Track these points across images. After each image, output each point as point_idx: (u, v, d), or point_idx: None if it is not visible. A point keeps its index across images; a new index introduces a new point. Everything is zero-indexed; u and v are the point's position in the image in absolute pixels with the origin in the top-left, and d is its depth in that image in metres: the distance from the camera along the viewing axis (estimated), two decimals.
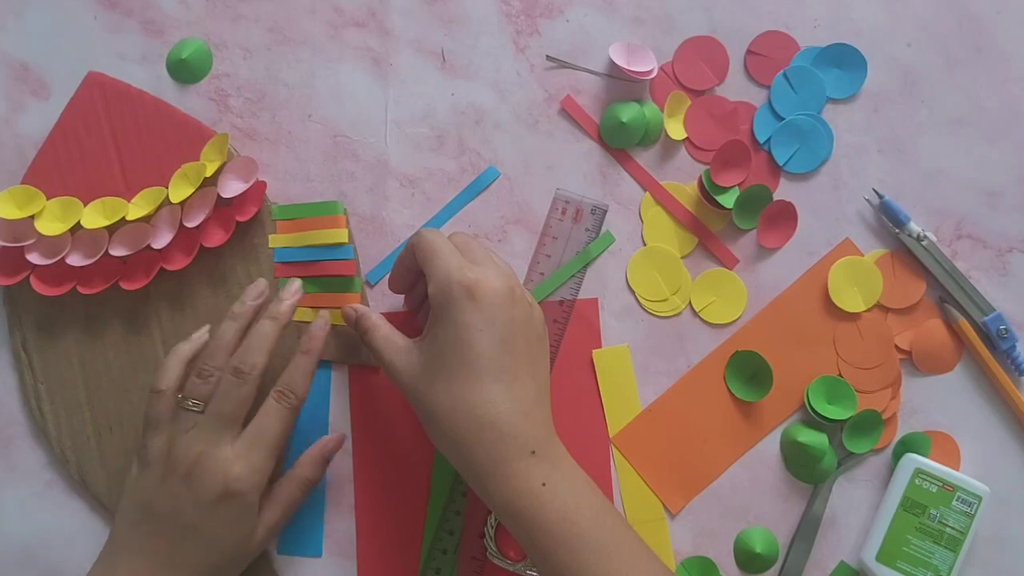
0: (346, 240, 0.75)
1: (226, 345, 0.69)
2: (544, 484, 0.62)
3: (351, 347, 0.75)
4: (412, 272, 0.71)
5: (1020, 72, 0.76)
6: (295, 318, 0.73)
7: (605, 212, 0.76)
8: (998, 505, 0.73)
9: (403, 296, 0.75)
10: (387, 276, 0.75)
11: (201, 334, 0.71)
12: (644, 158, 0.77)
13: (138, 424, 0.74)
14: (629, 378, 0.76)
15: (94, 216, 0.73)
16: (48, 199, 0.73)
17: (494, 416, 0.63)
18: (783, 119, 0.76)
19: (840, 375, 0.75)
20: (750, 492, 0.75)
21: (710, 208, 0.76)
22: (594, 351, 0.76)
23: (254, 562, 0.72)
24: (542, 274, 0.76)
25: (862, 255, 0.76)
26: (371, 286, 0.76)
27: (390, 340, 0.68)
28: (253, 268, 0.75)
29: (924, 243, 0.75)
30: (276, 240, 0.75)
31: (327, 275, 0.75)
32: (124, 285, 0.73)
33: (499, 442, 0.63)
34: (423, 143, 0.77)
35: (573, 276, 0.76)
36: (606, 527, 0.63)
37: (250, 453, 0.67)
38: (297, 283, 0.72)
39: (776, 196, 0.76)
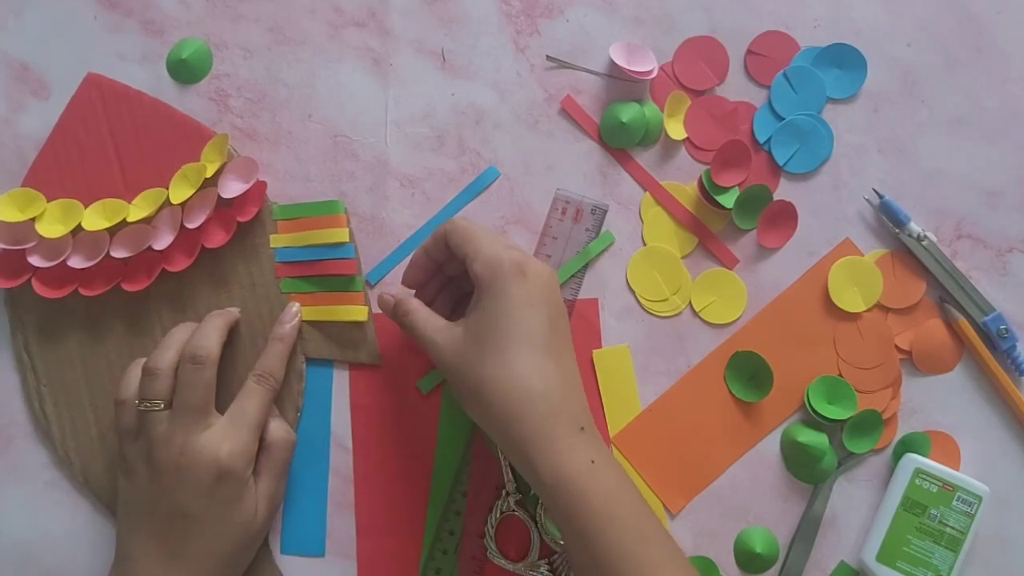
0: (347, 239, 0.75)
1: (175, 342, 0.70)
2: (593, 462, 0.62)
3: (352, 345, 0.75)
4: (434, 263, 0.71)
5: (1020, 72, 0.76)
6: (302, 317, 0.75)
7: (605, 212, 0.76)
8: (998, 505, 0.73)
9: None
10: (391, 275, 0.76)
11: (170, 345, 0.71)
12: (644, 158, 0.77)
13: None
14: (629, 378, 0.76)
15: (95, 218, 0.73)
16: (48, 201, 0.73)
17: (546, 388, 0.63)
18: (783, 119, 0.76)
19: (840, 375, 0.75)
20: (750, 492, 0.75)
21: (710, 208, 0.76)
22: (594, 351, 0.76)
23: (258, 561, 0.72)
24: None
25: (862, 255, 0.76)
26: (371, 286, 0.76)
27: (431, 320, 0.68)
28: (255, 268, 0.75)
29: (924, 243, 0.75)
30: (277, 240, 0.75)
31: (328, 274, 0.75)
32: (126, 286, 0.73)
33: (550, 415, 0.63)
34: (423, 143, 0.77)
35: (573, 276, 0.76)
36: (645, 515, 0.63)
37: (235, 432, 0.69)
38: (295, 306, 0.75)
39: (776, 196, 0.76)
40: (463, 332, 0.66)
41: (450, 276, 0.73)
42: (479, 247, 0.66)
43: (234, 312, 0.74)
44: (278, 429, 0.72)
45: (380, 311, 0.73)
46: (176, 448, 0.67)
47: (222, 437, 0.68)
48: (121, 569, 0.68)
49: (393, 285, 0.75)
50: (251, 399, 0.70)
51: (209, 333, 0.70)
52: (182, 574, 0.67)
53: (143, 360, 0.70)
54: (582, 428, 0.63)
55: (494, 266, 0.65)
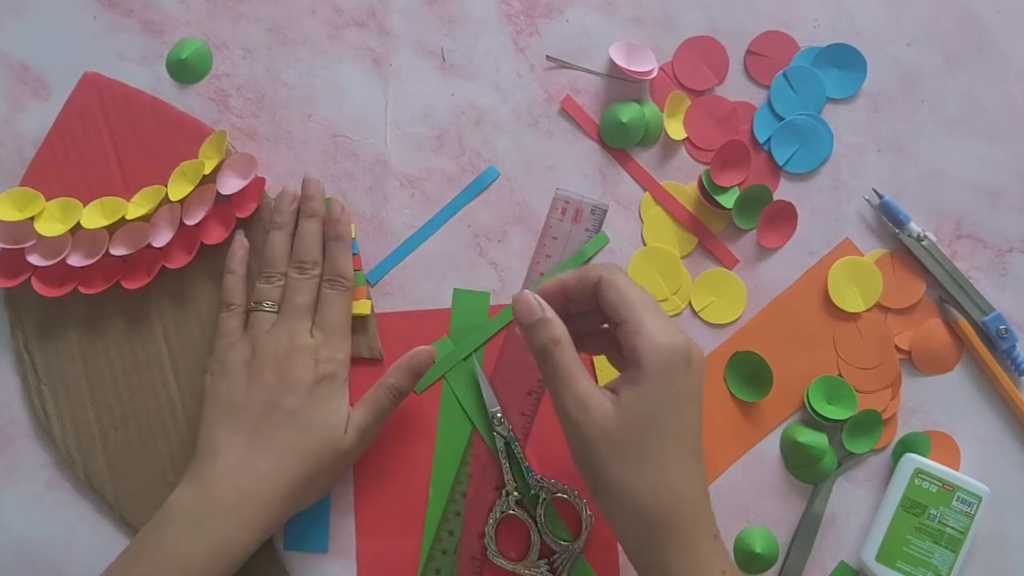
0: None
1: (283, 252, 0.73)
2: (724, 573, 0.60)
3: (353, 339, 0.75)
4: (564, 298, 0.63)
5: (1020, 72, 0.76)
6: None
7: (605, 212, 0.76)
8: (998, 505, 0.73)
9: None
10: (391, 275, 0.76)
11: (238, 246, 0.74)
12: (644, 158, 0.77)
13: (143, 423, 0.74)
14: None
15: (94, 216, 0.73)
16: (47, 200, 0.73)
17: (695, 493, 0.60)
18: (783, 119, 0.76)
19: (840, 375, 0.75)
20: (750, 492, 0.75)
21: (710, 208, 0.76)
22: None
23: (262, 558, 0.72)
24: (542, 274, 0.76)
25: (862, 255, 0.76)
26: (371, 286, 0.76)
27: (580, 373, 0.60)
28: (254, 265, 0.75)
29: (924, 243, 0.75)
30: None
31: None
32: (125, 284, 0.73)
33: (695, 522, 0.59)
34: (423, 143, 0.77)
35: None
36: None
37: (328, 338, 0.72)
38: (341, 202, 0.75)
39: (776, 196, 0.76)
40: (615, 412, 0.59)
41: (568, 312, 0.65)
42: (641, 319, 0.59)
43: (320, 211, 0.74)
44: (395, 375, 0.73)
45: (515, 318, 0.63)
46: (282, 348, 0.70)
47: (317, 344, 0.71)
48: (202, 461, 0.69)
49: (396, 283, 0.75)
50: (332, 304, 0.72)
51: (311, 242, 0.73)
52: (264, 463, 0.68)
53: (236, 268, 0.73)
54: (715, 535, 0.60)
55: (663, 352, 0.58)
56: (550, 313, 0.61)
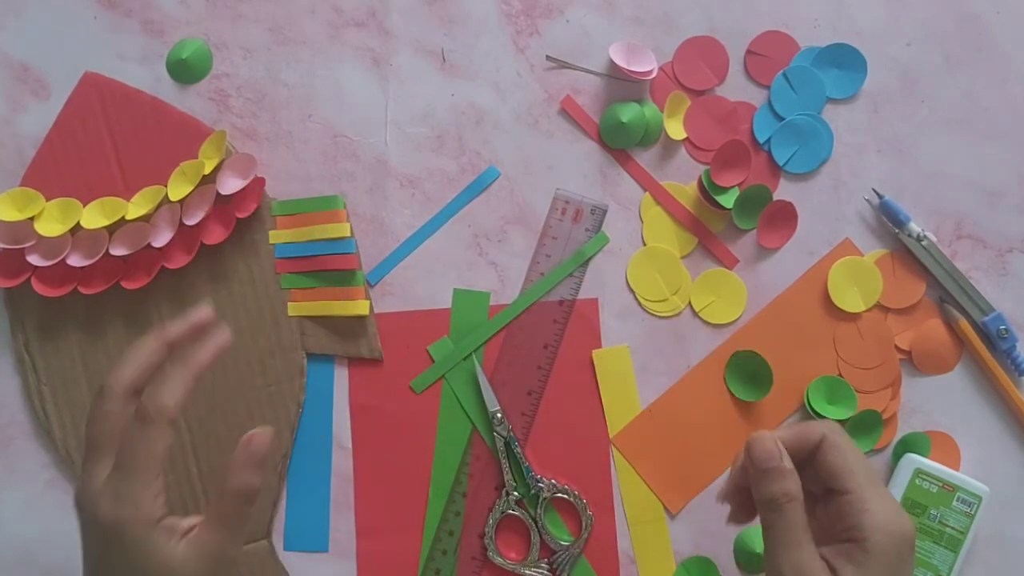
0: (348, 234, 0.75)
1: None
2: None
3: (353, 340, 0.75)
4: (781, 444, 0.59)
5: (1020, 72, 0.76)
6: (294, 314, 0.74)
7: (605, 212, 0.76)
8: (998, 505, 0.73)
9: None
10: (391, 275, 0.76)
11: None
12: (644, 158, 0.77)
13: None
14: (629, 378, 0.76)
15: (94, 216, 0.73)
16: (47, 200, 0.73)
17: None
18: (783, 119, 0.76)
19: (840, 375, 0.75)
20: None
21: (710, 208, 0.76)
22: (594, 351, 0.76)
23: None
24: (542, 274, 0.76)
25: (862, 255, 0.76)
26: (371, 286, 0.76)
27: (807, 538, 0.56)
28: (254, 264, 0.75)
29: (924, 243, 0.74)
30: (277, 236, 0.75)
31: (329, 269, 0.75)
32: (125, 284, 0.73)
33: None
34: (423, 143, 0.77)
35: (572, 276, 0.76)
36: None
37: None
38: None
39: (776, 196, 0.76)
40: None
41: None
42: (867, 494, 0.56)
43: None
44: (237, 474, 0.57)
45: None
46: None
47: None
48: None
49: (396, 283, 0.75)
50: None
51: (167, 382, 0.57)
52: None
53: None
54: None
55: (893, 537, 0.55)
56: (789, 464, 0.57)
